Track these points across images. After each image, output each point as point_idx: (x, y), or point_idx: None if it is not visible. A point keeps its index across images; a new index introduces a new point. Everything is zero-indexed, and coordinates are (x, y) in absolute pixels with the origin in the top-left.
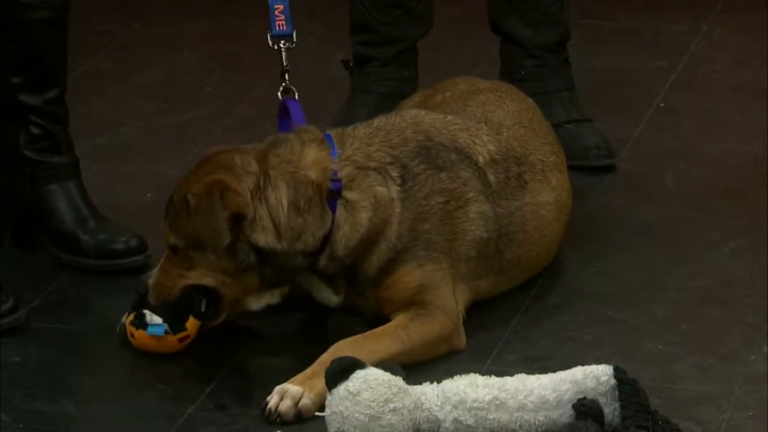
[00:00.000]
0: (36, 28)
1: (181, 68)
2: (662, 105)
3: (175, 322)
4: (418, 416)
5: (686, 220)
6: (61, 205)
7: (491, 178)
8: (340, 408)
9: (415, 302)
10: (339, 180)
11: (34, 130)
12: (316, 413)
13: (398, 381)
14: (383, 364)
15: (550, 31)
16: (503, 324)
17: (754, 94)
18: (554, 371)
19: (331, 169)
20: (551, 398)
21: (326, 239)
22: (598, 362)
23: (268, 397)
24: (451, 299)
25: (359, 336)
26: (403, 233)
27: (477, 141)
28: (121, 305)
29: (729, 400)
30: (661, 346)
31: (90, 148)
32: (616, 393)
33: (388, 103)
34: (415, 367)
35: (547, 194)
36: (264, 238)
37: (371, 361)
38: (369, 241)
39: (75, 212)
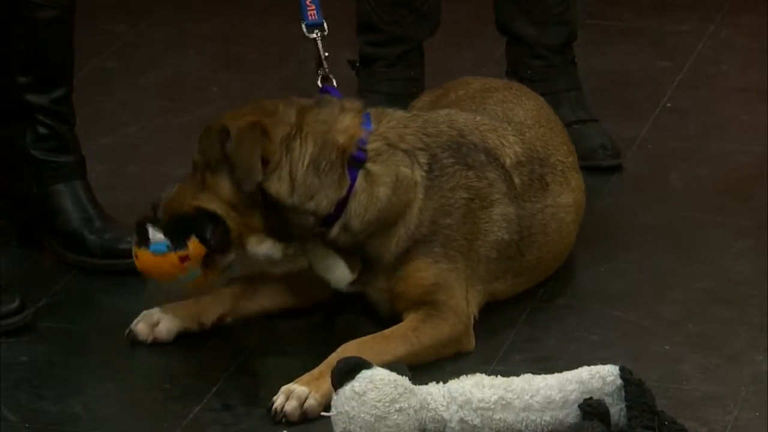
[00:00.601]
0: (42, 28)
1: (187, 68)
2: (668, 105)
3: (177, 238)
4: (424, 416)
5: (692, 220)
6: (67, 205)
7: (516, 180)
8: (346, 408)
9: (426, 302)
10: (365, 151)
11: (41, 130)
12: (322, 413)
13: (404, 381)
14: (389, 365)
15: (556, 32)
16: (510, 324)
17: (760, 95)
18: (560, 371)
19: (359, 138)
20: (557, 398)
21: (341, 207)
22: (604, 362)
23: (274, 397)
24: (462, 301)
25: (367, 337)
26: (423, 222)
27: (505, 143)
28: (127, 305)
29: (735, 400)
30: (667, 347)
31: (96, 147)
32: (622, 393)
33: (395, 103)
34: (422, 367)
35: (567, 196)
36: (276, 187)
37: (378, 362)
38: (386, 222)
39: (81, 212)
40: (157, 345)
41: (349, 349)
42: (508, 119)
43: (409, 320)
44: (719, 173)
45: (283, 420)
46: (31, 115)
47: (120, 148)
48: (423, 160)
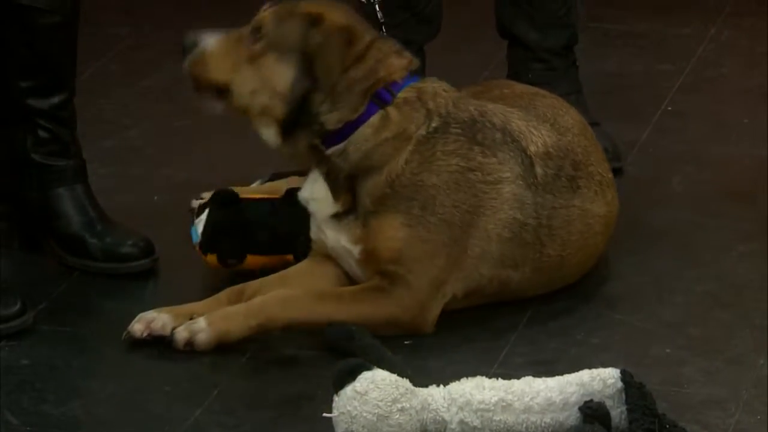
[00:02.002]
0: (45, 33)
1: None
2: (670, 108)
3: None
4: (425, 417)
5: (694, 223)
6: (68, 209)
7: (538, 169)
8: (348, 408)
9: (386, 272)
10: (393, 95)
11: (42, 134)
12: (324, 414)
13: (405, 382)
14: (391, 361)
15: (557, 35)
16: (510, 327)
17: (762, 97)
18: (561, 374)
19: (395, 81)
20: (557, 400)
21: (347, 132)
22: (604, 365)
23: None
24: (427, 280)
25: (303, 292)
26: (404, 174)
27: (534, 132)
28: (128, 308)
29: (736, 403)
30: (668, 350)
31: (98, 151)
32: (623, 396)
33: None
34: (423, 369)
35: (600, 206)
36: (318, 89)
37: (305, 318)
38: (375, 163)
39: (82, 215)
40: (157, 349)
41: (276, 298)
42: (554, 122)
43: (356, 287)
44: (721, 176)
45: (172, 345)
46: (31, 119)
47: (122, 151)
48: (434, 124)
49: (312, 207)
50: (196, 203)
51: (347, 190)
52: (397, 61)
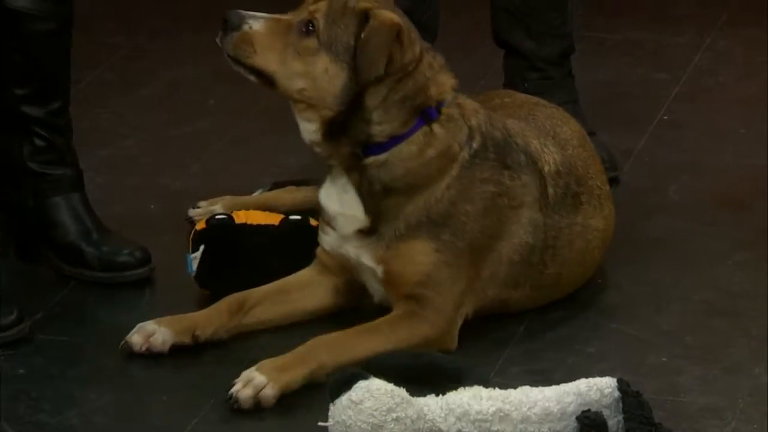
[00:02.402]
0: (40, 40)
1: (185, 80)
2: (666, 117)
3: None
4: (421, 427)
5: (690, 232)
6: (64, 218)
7: (550, 190)
8: (343, 417)
9: (415, 295)
10: (440, 112)
11: (38, 142)
12: (320, 423)
13: (401, 392)
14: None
15: (553, 44)
16: (507, 337)
17: (757, 107)
18: (558, 384)
19: (443, 100)
20: (555, 410)
21: (390, 145)
22: (601, 374)
23: (235, 380)
24: (452, 300)
25: (341, 332)
26: (442, 200)
27: (546, 150)
28: (125, 317)
29: (733, 412)
30: (664, 359)
31: (94, 160)
32: (620, 405)
33: None
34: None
35: (598, 221)
36: (372, 96)
37: (349, 357)
38: (416, 182)
39: (79, 224)
40: (154, 358)
41: (320, 343)
42: (555, 134)
43: (390, 316)
44: (717, 185)
45: (236, 406)
46: (27, 128)
47: (118, 160)
48: (475, 145)
49: (339, 221)
50: (193, 212)
51: (377, 204)
52: (446, 79)
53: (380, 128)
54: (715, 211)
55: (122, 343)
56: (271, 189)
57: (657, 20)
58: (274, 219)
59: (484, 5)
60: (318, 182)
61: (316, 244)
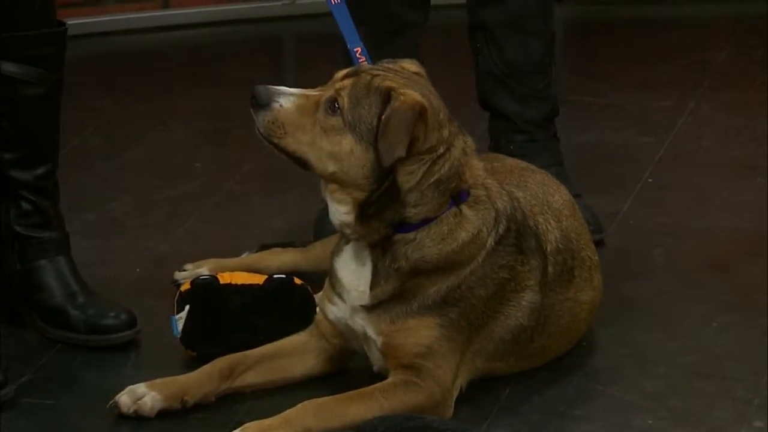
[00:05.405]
0: (29, 105)
1: (171, 144)
2: (650, 180)
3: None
4: None
5: (675, 295)
6: (50, 281)
7: (550, 268)
8: None
9: (413, 366)
10: (469, 193)
11: (24, 206)
12: None
13: None
14: None
15: (538, 107)
16: (493, 398)
17: (741, 170)
18: None
19: (473, 185)
20: None
21: (420, 224)
22: None
23: None
24: (449, 373)
25: (330, 397)
26: (462, 285)
27: (548, 228)
28: (110, 381)
29: None
30: (650, 421)
31: (80, 223)
32: None
33: None
34: None
35: (587, 293)
36: (406, 177)
37: (338, 424)
38: (446, 266)
39: (64, 287)
40: (139, 420)
41: (309, 407)
42: (548, 204)
43: (385, 383)
44: (701, 248)
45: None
46: (14, 191)
47: (104, 223)
48: (501, 230)
49: (353, 294)
50: (178, 275)
51: (400, 282)
52: (477, 164)
53: (415, 210)
54: (700, 274)
55: (111, 402)
56: (258, 251)
57: (641, 85)
58: (258, 279)
59: (468, 69)
60: (303, 244)
61: (301, 302)
